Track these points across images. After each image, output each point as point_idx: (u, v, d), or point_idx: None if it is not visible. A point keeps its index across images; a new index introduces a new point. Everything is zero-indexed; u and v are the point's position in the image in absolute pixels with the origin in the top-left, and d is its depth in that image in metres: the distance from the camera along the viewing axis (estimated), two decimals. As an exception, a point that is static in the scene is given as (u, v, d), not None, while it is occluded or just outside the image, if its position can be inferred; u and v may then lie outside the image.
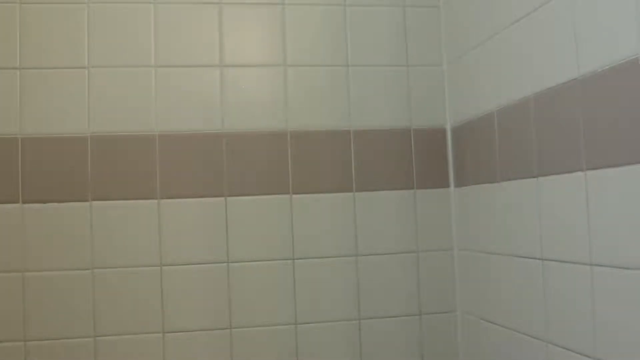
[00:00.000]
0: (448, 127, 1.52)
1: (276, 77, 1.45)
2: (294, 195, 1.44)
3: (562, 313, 1.05)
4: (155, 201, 1.38)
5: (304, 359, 1.41)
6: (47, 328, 1.32)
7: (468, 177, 1.43)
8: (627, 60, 0.86)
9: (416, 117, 1.51)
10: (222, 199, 1.41)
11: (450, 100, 1.51)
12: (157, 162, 1.39)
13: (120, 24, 1.40)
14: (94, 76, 1.38)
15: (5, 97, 1.34)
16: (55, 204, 1.34)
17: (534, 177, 1.12)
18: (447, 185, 1.51)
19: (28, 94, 1.35)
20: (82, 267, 1.34)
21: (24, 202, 1.33)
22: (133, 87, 1.39)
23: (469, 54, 1.40)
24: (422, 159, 1.50)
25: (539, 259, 1.11)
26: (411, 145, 1.50)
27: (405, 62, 1.51)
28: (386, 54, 1.50)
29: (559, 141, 1.04)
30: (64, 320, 1.33)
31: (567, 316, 1.03)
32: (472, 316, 1.42)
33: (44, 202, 1.34)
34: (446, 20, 1.52)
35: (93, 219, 1.35)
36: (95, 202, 1.35)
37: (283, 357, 1.41)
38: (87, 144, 1.36)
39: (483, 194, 1.34)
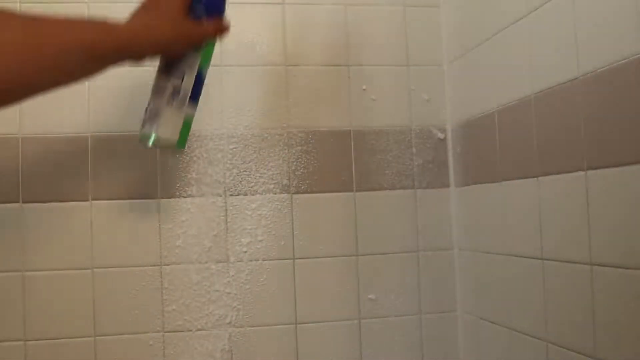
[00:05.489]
0: (448, 127, 1.52)
1: (276, 77, 1.45)
2: (294, 195, 1.44)
3: (562, 313, 1.05)
4: (156, 201, 1.38)
5: (304, 358, 1.41)
6: (47, 328, 1.32)
7: (468, 177, 1.43)
8: (627, 60, 0.86)
9: (416, 116, 1.51)
10: (222, 198, 1.41)
11: (450, 100, 1.51)
12: (158, 161, 1.39)
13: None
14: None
15: (5, 97, 1.34)
16: (55, 204, 1.34)
17: (534, 177, 1.12)
18: (447, 185, 1.51)
19: (28, 94, 1.35)
20: (82, 267, 1.34)
21: (24, 202, 1.33)
22: (133, 87, 1.39)
23: (469, 53, 1.40)
24: (422, 158, 1.50)
25: (539, 258, 1.11)
26: (411, 145, 1.50)
27: (406, 62, 1.51)
28: (386, 53, 1.50)
29: (559, 141, 1.04)
30: (64, 320, 1.33)
31: (567, 316, 1.03)
32: (472, 316, 1.42)
33: (44, 202, 1.34)
34: (446, 20, 1.52)
35: (93, 219, 1.35)
36: (95, 202, 1.35)
37: (283, 356, 1.41)
38: (87, 144, 1.36)
39: (483, 194, 1.34)
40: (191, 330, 1.38)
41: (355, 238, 1.46)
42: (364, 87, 1.48)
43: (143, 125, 1.03)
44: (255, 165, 1.43)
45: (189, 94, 1.06)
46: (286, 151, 1.44)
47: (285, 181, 1.44)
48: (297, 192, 1.44)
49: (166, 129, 1.03)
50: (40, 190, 1.34)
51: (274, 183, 1.43)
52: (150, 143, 1.02)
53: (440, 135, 1.52)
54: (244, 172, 1.42)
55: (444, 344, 1.48)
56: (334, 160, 1.46)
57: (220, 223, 1.41)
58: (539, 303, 1.11)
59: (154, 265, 1.37)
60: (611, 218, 0.91)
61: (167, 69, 1.05)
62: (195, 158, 1.40)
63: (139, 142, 1.04)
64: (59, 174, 1.35)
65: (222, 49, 1.43)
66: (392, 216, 1.48)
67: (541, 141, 1.10)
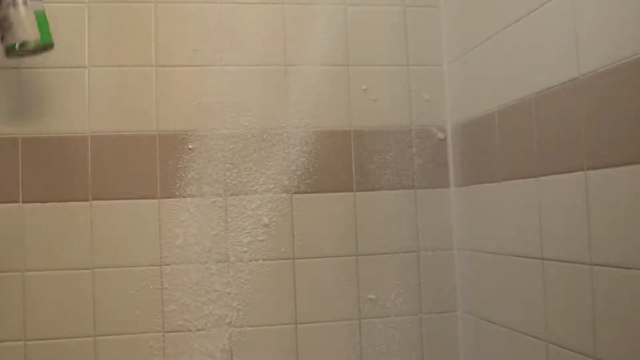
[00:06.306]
0: (448, 127, 1.52)
1: (276, 76, 1.45)
2: (294, 195, 1.44)
3: (562, 313, 1.05)
4: (156, 201, 1.38)
5: (304, 358, 1.41)
6: (47, 328, 1.32)
7: (468, 177, 1.43)
8: (627, 60, 0.86)
9: (416, 116, 1.51)
10: (222, 198, 1.41)
11: (450, 100, 1.51)
12: (157, 161, 1.38)
13: (121, 23, 1.39)
14: (94, 76, 1.38)
15: (6, 97, 1.34)
16: (55, 204, 1.34)
17: (534, 177, 1.12)
18: (447, 185, 1.51)
19: (28, 93, 1.35)
20: (82, 267, 1.34)
21: (24, 202, 1.33)
22: (133, 87, 1.39)
23: (469, 54, 1.40)
24: (422, 158, 1.50)
25: (539, 258, 1.11)
26: (411, 145, 1.50)
27: (406, 62, 1.51)
28: (386, 53, 1.50)
29: (559, 141, 1.04)
30: (64, 320, 1.33)
31: (567, 316, 1.03)
32: (472, 316, 1.42)
33: (44, 202, 1.34)
34: (446, 20, 1.52)
35: (93, 219, 1.35)
36: (95, 202, 1.35)
37: (283, 356, 1.41)
38: (87, 144, 1.36)
39: (483, 194, 1.34)
40: (191, 331, 1.38)
41: (355, 238, 1.46)
42: (364, 87, 1.48)
43: (2, 39, 1.07)
44: (255, 165, 1.43)
45: None
46: (286, 151, 1.44)
47: (285, 181, 1.44)
48: (297, 192, 1.44)
49: (24, 31, 1.08)
50: (40, 190, 1.34)
51: (274, 183, 1.43)
52: (17, 48, 1.07)
53: (440, 135, 1.52)
54: (244, 172, 1.42)
55: (444, 344, 1.48)
56: (334, 160, 1.46)
57: (220, 223, 1.41)
58: (539, 303, 1.11)
59: (154, 265, 1.37)
60: (611, 218, 0.91)
61: None
62: (195, 157, 1.40)
63: (5, 56, 1.09)
64: (59, 174, 1.35)
65: (222, 49, 1.44)
66: (392, 216, 1.48)
67: (541, 141, 1.10)
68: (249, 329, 1.40)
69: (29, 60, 1.35)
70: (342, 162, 1.46)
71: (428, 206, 1.50)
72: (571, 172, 1.00)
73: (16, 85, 1.35)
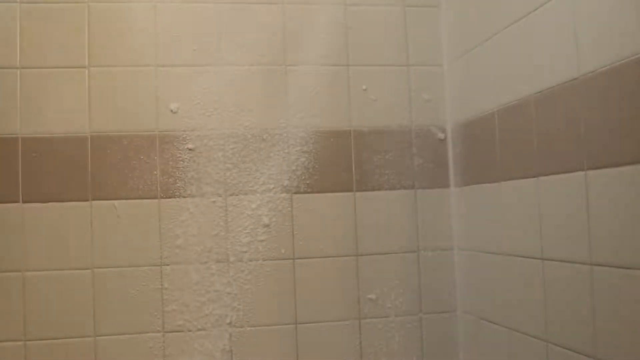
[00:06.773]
0: (448, 127, 1.52)
1: (276, 76, 1.45)
2: (294, 195, 1.44)
3: (562, 313, 1.05)
4: (156, 201, 1.38)
5: (304, 358, 1.41)
6: (47, 328, 1.32)
7: (468, 177, 1.43)
8: (627, 60, 0.86)
9: (416, 116, 1.51)
10: (222, 198, 1.41)
11: (450, 100, 1.51)
12: (157, 161, 1.39)
13: (120, 23, 1.39)
14: (94, 76, 1.38)
15: (5, 97, 1.34)
16: (55, 204, 1.34)
17: (534, 177, 1.12)
18: (447, 185, 1.51)
19: (28, 94, 1.35)
20: (82, 267, 1.35)
21: (24, 202, 1.33)
22: (133, 87, 1.39)
23: (469, 54, 1.40)
24: (422, 158, 1.50)
25: (539, 258, 1.11)
26: (411, 144, 1.50)
27: (406, 62, 1.51)
28: (386, 53, 1.50)
29: (559, 141, 1.04)
30: (64, 320, 1.33)
31: (567, 316, 1.03)
32: (472, 316, 1.42)
33: (44, 202, 1.34)
34: (446, 20, 1.52)
35: (93, 219, 1.35)
36: (95, 202, 1.35)
37: (283, 356, 1.41)
38: (87, 144, 1.36)
39: (483, 194, 1.34)
40: (191, 331, 1.38)
41: (355, 238, 1.46)
42: (364, 87, 1.48)
43: None
44: (255, 165, 1.43)
45: None
46: (286, 151, 1.44)
47: (285, 181, 1.44)
48: (297, 192, 1.44)
49: None
50: (40, 190, 1.34)
51: (274, 183, 1.43)
52: None
53: (440, 135, 1.52)
54: (244, 172, 1.42)
55: (444, 344, 1.48)
56: (334, 160, 1.46)
57: (220, 223, 1.41)
58: (539, 303, 1.11)
59: (154, 265, 1.37)
60: (611, 218, 0.91)
61: None
62: (195, 157, 1.40)
63: None
64: (59, 174, 1.35)
65: (222, 49, 1.44)
66: (392, 216, 1.48)
67: (541, 141, 1.10)
68: (249, 329, 1.40)
69: (29, 60, 1.35)
70: (342, 162, 1.47)
71: (428, 206, 1.50)
72: (571, 172, 1.00)
73: (16, 85, 1.35)
